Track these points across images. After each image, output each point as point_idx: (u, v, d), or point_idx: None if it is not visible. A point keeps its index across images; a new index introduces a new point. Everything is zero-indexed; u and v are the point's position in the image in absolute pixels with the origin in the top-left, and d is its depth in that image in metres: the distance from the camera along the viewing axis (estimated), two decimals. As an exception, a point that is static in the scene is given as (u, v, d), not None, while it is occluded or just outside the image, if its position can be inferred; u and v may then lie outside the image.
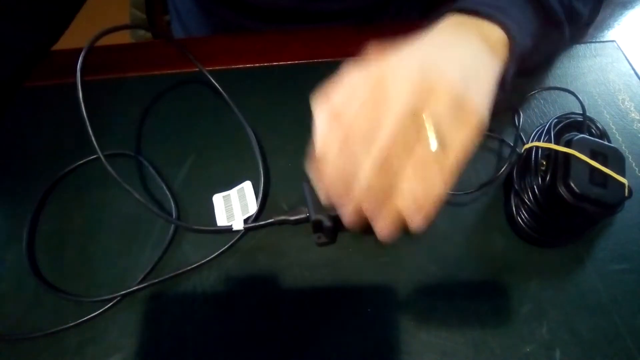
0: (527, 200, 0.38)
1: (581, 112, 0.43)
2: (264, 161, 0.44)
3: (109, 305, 0.37)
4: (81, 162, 0.46)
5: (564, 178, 0.36)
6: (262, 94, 0.52)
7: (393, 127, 0.28)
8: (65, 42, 0.56)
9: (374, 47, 0.33)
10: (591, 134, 0.41)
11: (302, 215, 0.40)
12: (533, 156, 0.39)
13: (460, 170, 0.29)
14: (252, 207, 0.42)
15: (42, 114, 0.51)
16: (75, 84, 0.37)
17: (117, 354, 0.35)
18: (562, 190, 0.35)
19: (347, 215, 0.31)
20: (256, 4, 0.60)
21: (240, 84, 0.52)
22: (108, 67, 0.54)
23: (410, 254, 0.39)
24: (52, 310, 0.38)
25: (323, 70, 0.54)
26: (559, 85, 0.49)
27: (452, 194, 0.42)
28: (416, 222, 0.30)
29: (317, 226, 0.39)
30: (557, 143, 0.38)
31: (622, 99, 0.50)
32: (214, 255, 0.39)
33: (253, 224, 0.40)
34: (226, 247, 0.40)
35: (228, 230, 0.40)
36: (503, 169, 0.42)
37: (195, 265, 0.39)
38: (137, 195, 0.37)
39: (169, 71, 0.54)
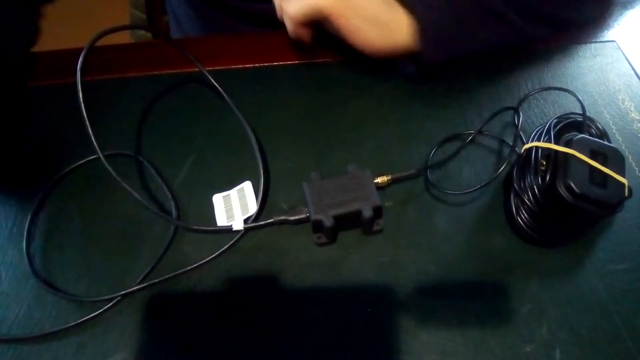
0: (527, 200, 0.38)
1: (581, 112, 0.43)
2: (264, 161, 0.44)
3: (109, 305, 0.37)
4: (81, 162, 0.46)
5: (563, 178, 0.36)
6: (262, 94, 0.52)
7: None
8: (65, 42, 0.56)
9: None
10: (591, 134, 0.41)
11: (302, 215, 0.40)
12: (533, 156, 0.39)
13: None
14: (252, 207, 0.42)
15: (42, 114, 0.51)
16: (75, 84, 0.37)
17: (117, 354, 0.35)
18: (562, 190, 0.35)
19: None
20: (254, 10, 0.61)
21: (240, 84, 0.52)
22: (108, 67, 0.54)
23: (410, 254, 0.39)
24: (52, 310, 0.38)
25: (323, 70, 0.54)
26: (559, 85, 0.49)
27: (452, 194, 0.42)
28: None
29: (317, 226, 0.39)
30: (557, 143, 0.38)
31: (622, 99, 0.50)
32: (214, 255, 0.39)
33: (253, 224, 0.40)
34: (226, 247, 0.40)
35: (228, 230, 0.40)
36: (502, 168, 0.42)
37: (195, 265, 0.39)
38: (137, 195, 0.37)
39: (169, 71, 0.54)
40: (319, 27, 0.53)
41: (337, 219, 0.38)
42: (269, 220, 0.40)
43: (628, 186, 0.36)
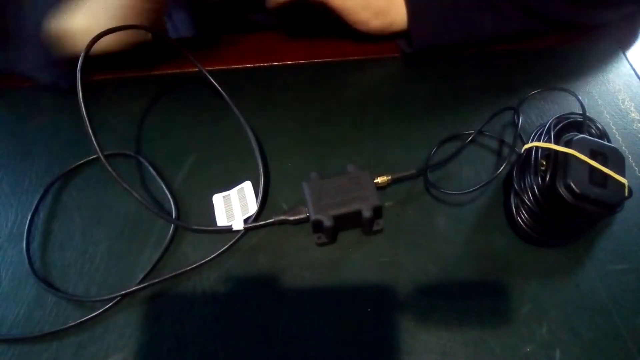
0: (527, 200, 0.38)
1: (581, 112, 0.43)
2: (264, 161, 0.44)
3: (109, 305, 0.37)
4: (81, 162, 0.46)
5: (563, 178, 0.36)
6: (262, 94, 0.52)
7: None
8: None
9: None
10: (591, 134, 0.41)
11: (302, 215, 0.40)
12: (533, 156, 0.39)
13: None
14: (252, 207, 0.42)
15: (42, 114, 0.51)
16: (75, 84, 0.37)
17: (117, 354, 0.35)
18: (562, 190, 0.35)
19: None
20: (251, 20, 0.61)
21: (240, 84, 0.52)
22: (108, 67, 0.54)
23: (410, 254, 0.39)
24: (52, 310, 0.38)
25: (323, 70, 0.54)
26: (559, 85, 0.49)
27: (452, 194, 0.42)
28: None
29: (317, 226, 0.39)
30: (557, 143, 0.38)
31: (622, 99, 0.50)
32: (214, 255, 0.39)
33: (253, 224, 0.40)
34: (226, 247, 0.39)
35: (228, 230, 0.40)
36: (502, 168, 0.42)
37: (195, 265, 0.39)
38: (137, 195, 0.37)
39: (169, 71, 0.54)
40: (319, 27, 0.53)
41: (337, 219, 0.38)
42: (269, 220, 0.40)
43: (628, 186, 0.36)
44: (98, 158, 0.37)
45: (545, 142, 0.40)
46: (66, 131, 0.49)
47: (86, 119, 0.36)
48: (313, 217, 0.39)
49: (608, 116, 0.48)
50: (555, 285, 0.38)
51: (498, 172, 0.42)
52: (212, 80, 0.48)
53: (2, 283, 0.39)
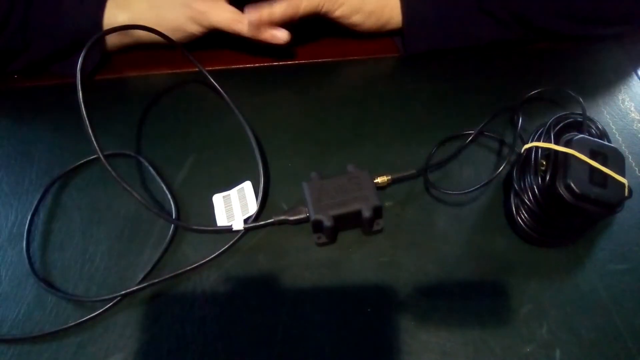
0: (527, 200, 0.38)
1: (581, 112, 0.43)
2: (264, 161, 0.44)
3: (109, 305, 0.37)
4: (81, 162, 0.46)
5: (563, 178, 0.36)
6: (262, 94, 0.52)
7: None
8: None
9: None
10: (591, 134, 0.41)
11: (302, 215, 0.40)
12: (533, 156, 0.39)
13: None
14: (252, 207, 0.42)
15: (42, 114, 0.51)
16: (75, 84, 0.37)
17: (117, 354, 0.35)
18: (562, 190, 0.35)
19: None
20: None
21: (240, 84, 0.52)
22: (108, 67, 0.54)
23: (410, 254, 0.39)
24: (52, 310, 0.38)
25: (323, 70, 0.54)
26: (559, 86, 0.49)
27: (452, 194, 0.42)
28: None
29: (317, 226, 0.39)
30: (557, 143, 0.38)
31: (622, 99, 0.50)
32: (214, 255, 0.39)
33: (253, 224, 0.40)
34: (226, 247, 0.39)
35: (228, 230, 0.40)
36: (502, 168, 0.42)
37: (195, 265, 0.39)
38: (136, 195, 0.37)
39: (169, 71, 0.54)
40: (318, 26, 0.53)
41: (337, 219, 0.38)
42: (269, 220, 0.40)
43: (628, 186, 0.36)
44: (98, 158, 0.37)
45: (545, 142, 0.40)
46: (66, 131, 0.49)
47: (86, 119, 0.36)
48: (313, 217, 0.39)
49: (608, 116, 0.48)
50: (555, 285, 0.38)
51: (498, 172, 0.42)
52: (212, 80, 0.48)
53: (2, 283, 0.39)
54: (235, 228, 0.40)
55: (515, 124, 0.46)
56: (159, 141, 0.48)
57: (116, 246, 0.41)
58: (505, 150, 0.46)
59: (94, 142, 0.36)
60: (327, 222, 0.38)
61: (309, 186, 0.40)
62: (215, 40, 0.52)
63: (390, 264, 0.39)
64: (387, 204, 0.42)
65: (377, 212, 0.39)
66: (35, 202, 0.43)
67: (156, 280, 0.38)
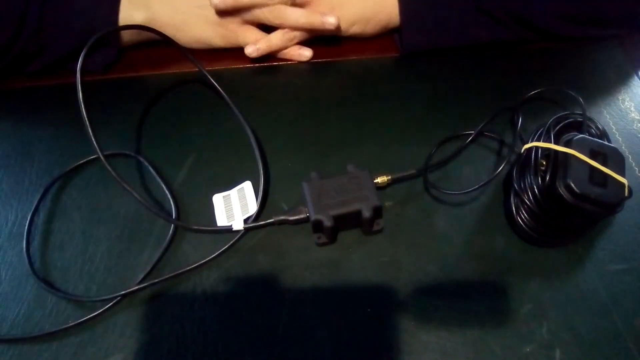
0: (527, 200, 0.38)
1: (581, 112, 0.43)
2: (264, 161, 0.44)
3: (109, 305, 0.37)
4: (81, 162, 0.46)
5: (563, 178, 0.36)
6: (262, 94, 0.52)
7: None
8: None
9: None
10: (591, 134, 0.41)
11: (302, 215, 0.40)
12: (533, 156, 0.39)
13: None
14: (252, 207, 0.42)
15: (42, 114, 0.51)
16: (75, 84, 0.37)
17: (117, 354, 0.35)
18: (562, 190, 0.35)
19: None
20: None
21: (240, 84, 0.52)
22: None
23: (410, 254, 0.39)
24: (52, 310, 0.38)
25: (323, 70, 0.54)
26: (559, 85, 0.49)
27: (452, 194, 0.42)
28: None
29: (317, 226, 0.39)
30: (556, 143, 0.38)
31: (622, 99, 0.50)
32: (214, 255, 0.39)
33: (253, 224, 0.40)
34: (226, 247, 0.39)
35: (228, 230, 0.40)
36: (501, 168, 0.42)
37: (195, 265, 0.39)
38: (136, 195, 0.37)
39: (169, 71, 0.54)
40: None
41: (337, 219, 0.38)
42: (269, 220, 0.40)
43: (628, 186, 0.36)
44: (98, 158, 0.37)
45: (545, 142, 0.40)
46: (66, 131, 0.49)
47: (86, 119, 0.36)
48: (313, 217, 0.39)
49: (608, 116, 0.48)
50: (555, 285, 0.38)
51: (497, 172, 0.42)
52: (212, 80, 0.48)
53: (2, 283, 0.39)
54: (235, 228, 0.40)
55: (515, 124, 0.46)
56: (159, 141, 0.48)
57: (116, 246, 0.41)
58: (505, 150, 0.46)
59: (94, 142, 0.36)
60: (327, 222, 0.38)
61: (309, 186, 0.40)
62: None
63: (390, 264, 0.39)
64: (387, 204, 0.42)
65: (377, 212, 0.39)
66: (35, 202, 0.43)
67: (156, 280, 0.38)
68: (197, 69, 0.48)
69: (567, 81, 0.51)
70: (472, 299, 0.37)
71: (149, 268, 0.39)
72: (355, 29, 0.53)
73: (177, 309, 0.37)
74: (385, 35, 0.55)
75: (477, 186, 0.41)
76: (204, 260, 0.39)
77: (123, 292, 0.37)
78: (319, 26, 0.50)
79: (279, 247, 0.40)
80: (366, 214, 0.38)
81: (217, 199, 0.43)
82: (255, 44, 0.52)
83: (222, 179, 0.44)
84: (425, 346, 0.35)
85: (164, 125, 0.49)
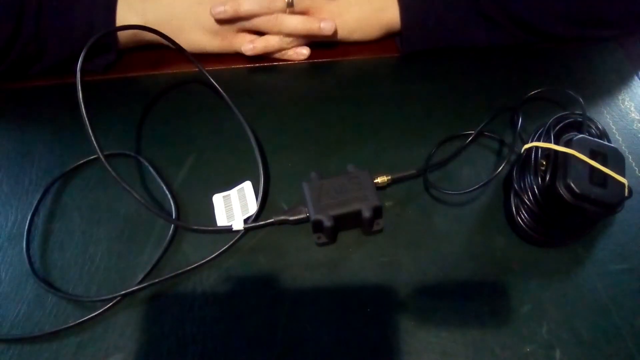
0: (527, 201, 0.38)
1: (581, 112, 0.43)
2: (264, 161, 0.44)
3: (109, 305, 0.37)
4: (81, 162, 0.46)
5: (563, 178, 0.36)
6: (262, 94, 0.52)
7: None
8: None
9: None
10: (591, 134, 0.41)
11: (302, 215, 0.40)
12: (533, 156, 0.39)
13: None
14: (252, 207, 0.42)
15: (42, 114, 0.51)
16: (75, 84, 0.37)
17: (117, 354, 0.35)
18: (562, 190, 0.35)
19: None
20: None
21: (240, 84, 0.52)
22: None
23: (410, 254, 0.39)
24: (52, 310, 0.38)
25: (323, 70, 0.54)
26: (559, 86, 0.49)
27: (452, 194, 0.42)
28: None
29: (317, 226, 0.39)
30: (556, 143, 0.38)
31: (622, 99, 0.50)
32: (214, 255, 0.39)
33: (253, 224, 0.40)
34: (226, 247, 0.39)
35: (228, 230, 0.40)
36: (501, 168, 0.42)
37: (195, 265, 0.39)
38: (136, 196, 0.37)
39: (169, 71, 0.54)
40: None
41: (337, 219, 0.38)
42: (269, 220, 0.40)
43: (628, 186, 0.36)
44: (98, 158, 0.37)
45: (545, 142, 0.40)
46: (66, 131, 0.49)
47: (86, 119, 0.36)
48: (313, 217, 0.39)
49: (608, 116, 0.48)
50: (555, 285, 0.38)
51: (497, 172, 0.42)
52: (212, 80, 0.48)
53: (2, 283, 0.39)
54: (235, 228, 0.40)
55: (515, 124, 0.46)
56: (159, 141, 0.48)
57: (116, 246, 0.41)
58: (505, 150, 0.46)
59: (94, 142, 0.36)
60: (327, 222, 0.38)
61: (309, 186, 0.40)
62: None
63: (390, 264, 0.39)
64: (387, 204, 0.42)
65: (377, 212, 0.39)
66: (35, 202, 0.43)
67: (156, 280, 0.38)
68: (197, 69, 0.48)
69: (567, 81, 0.51)
70: (472, 299, 0.37)
71: (149, 268, 0.39)
72: (356, 36, 0.54)
73: (177, 309, 0.37)
74: (387, 37, 0.55)
75: (477, 186, 0.41)
76: (204, 260, 0.39)
77: (123, 292, 0.37)
78: (316, 32, 0.51)
79: (279, 247, 0.40)
80: (366, 214, 0.38)
81: (217, 199, 0.43)
82: (252, 42, 0.52)
83: (222, 179, 0.44)
84: (425, 346, 0.35)
85: (164, 125, 0.49)
